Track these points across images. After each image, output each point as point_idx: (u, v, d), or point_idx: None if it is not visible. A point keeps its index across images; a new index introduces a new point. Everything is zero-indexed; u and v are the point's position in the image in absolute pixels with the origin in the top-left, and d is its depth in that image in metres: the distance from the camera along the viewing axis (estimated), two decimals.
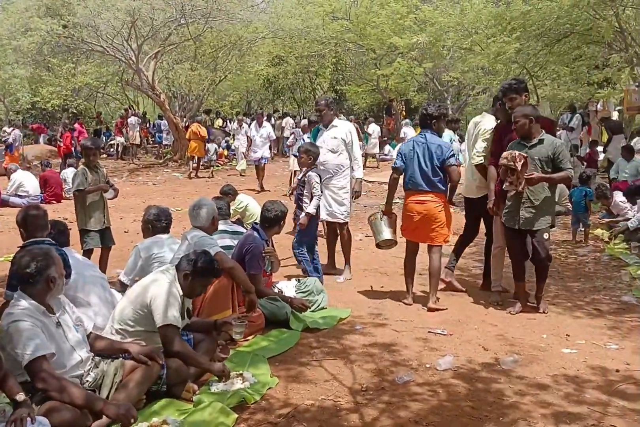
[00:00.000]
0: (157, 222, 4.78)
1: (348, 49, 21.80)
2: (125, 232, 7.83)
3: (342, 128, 6.05)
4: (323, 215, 6.00)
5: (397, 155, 5.28)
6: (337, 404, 3.36)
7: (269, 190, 12.71)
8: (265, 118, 14.76)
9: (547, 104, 13.71)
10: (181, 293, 3.57)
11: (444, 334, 4.45)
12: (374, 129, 17.96)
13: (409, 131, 17.71)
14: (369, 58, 21.30)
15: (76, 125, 16.94)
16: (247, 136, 13.50)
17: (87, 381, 3.15)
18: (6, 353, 2.92)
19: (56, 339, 3.04)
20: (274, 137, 13.48)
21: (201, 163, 17.06)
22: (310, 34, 19.37)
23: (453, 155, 5.01)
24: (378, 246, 5.57)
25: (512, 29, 12.51)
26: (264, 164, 13.06)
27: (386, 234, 5.42)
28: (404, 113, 23.37)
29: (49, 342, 2.97)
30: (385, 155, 18.94)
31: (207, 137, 15.95)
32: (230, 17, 16.92)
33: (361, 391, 3.50)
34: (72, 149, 15.53)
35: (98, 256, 5.76)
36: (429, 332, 4.51)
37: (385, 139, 20.57)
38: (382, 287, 5.78)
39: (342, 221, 6.07)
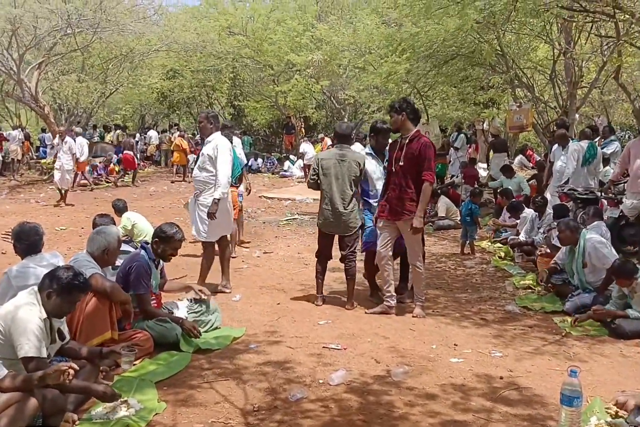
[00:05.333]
0: (17, 243, 4.31)
1: (245, 65, 21.83)
2: (2, 253, 7.28)
3: (210, 144, 5.87)
4: (193, 231, 6.12)
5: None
6: (227, 426, 3.25)
7: (248, 244, 8.82)
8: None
9: (436, 123, 14.29)
10: (44, 316, 3.33)
11: (338, 349, 4.46)
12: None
13: (307, 148, 17.93)
14: (266, 74, 21.42)
15: None
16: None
17: None
18: None
19: None
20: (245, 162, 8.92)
21: (90, 179, 16.45)
22: (206, 48, 19.19)
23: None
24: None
25: (402, 50, 12.98)
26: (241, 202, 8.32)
27: None
28: (303, 130, 23.65)
29: None
30: (285, 171, 19.03)
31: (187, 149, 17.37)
32: (121, 28, 16.42)
33: (253, 412, 3.41)
34: None
35: None
36: (323, 347, 4.50)
37: (285, 155, 20.72)
38: (279, 304, 5.73)
39: (203, 240, 5.99)
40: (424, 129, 9.70)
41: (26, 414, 2.99)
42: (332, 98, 22.14)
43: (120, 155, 17.68)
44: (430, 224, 10.28)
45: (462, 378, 3.94)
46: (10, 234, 4.80)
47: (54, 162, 13.81)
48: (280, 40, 18.91)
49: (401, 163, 5.22)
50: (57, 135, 13.68)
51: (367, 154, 5.89)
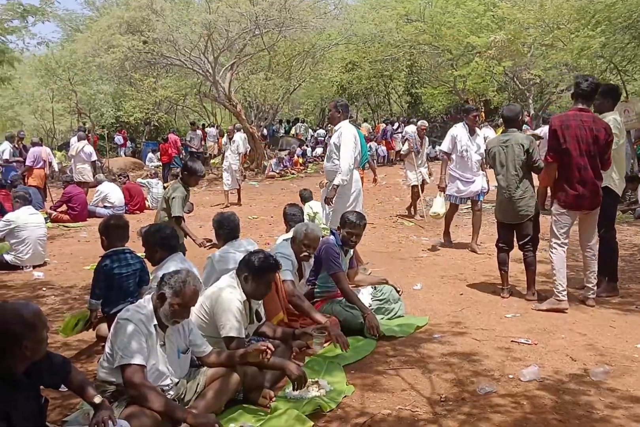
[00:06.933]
0: (220, 230, 4.82)
1: (423, 51, 21.54)
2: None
3: (336, 133, 5.92)
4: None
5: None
6: (414, 414, 3.25)
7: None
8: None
9: (637, 100, 12.93)
10: (244, 298, 3.60)
11: (528, 344, 4.25)
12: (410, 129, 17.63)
13: (489, 132, 17.24)
14: (444, 59, 20.97)
15: (170, 135, 17.78)
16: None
17: (169, 394, 3.14)
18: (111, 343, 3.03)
19: (153, 356, 3.06)
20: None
21: (277, 171, 17.49)
22: (384, 37, 19.29)
23: None
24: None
25: (596, 23, 11.98)
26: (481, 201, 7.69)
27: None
28: (483, 114, 22.78)
29: (146, 354, 3.00)
30: None
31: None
32: (304, 25, 17.11)
33: (440, 402, 3.38)
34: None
35: None
36: (511, 341, 4.31)
37: None
38: (462, 294, 5.61)
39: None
40: (623, 107, 8.76)
41: (230, 388, 3.28)
42: (515, 79, 21.01)
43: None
44: (630, 211, 9.36)
45: None
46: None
47: (221, 161, 13.97)
48: (460, 23, 18.34)
49: None
50: (226, 134, 13.65)
51: None
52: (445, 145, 7.55)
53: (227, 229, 4.77)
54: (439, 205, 7.66)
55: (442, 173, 7.52)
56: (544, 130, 9.95)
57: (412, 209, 10.11)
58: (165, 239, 4.20)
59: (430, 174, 10.12)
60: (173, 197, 5.56)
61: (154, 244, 4.18)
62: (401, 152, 10.58)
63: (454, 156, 7.42)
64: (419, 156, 9.70)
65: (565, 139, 4.80)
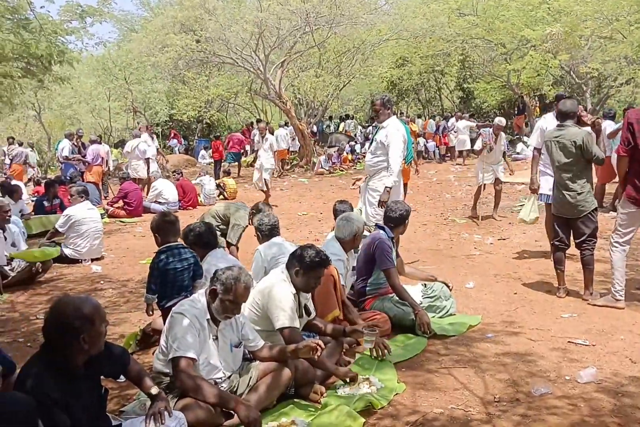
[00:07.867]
0: (260, 227, 4.91)
1: (475, 46, 21.16)
2: (254, 236, 8.07)
3: (384, 130, 5.89)
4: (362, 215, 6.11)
5: None
6: (467, 414, 3.21)
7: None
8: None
9: None
10: (294, 291, 3.62)
11: (586, 345, 4.13)
12: (461, 125, 17.21)
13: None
14: (498, 53, 20.53)
15: (236, 135, 18.17)
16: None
17: (222, 386, 3.19)
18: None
19: (205, 350, 3.11)
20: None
21: (326, 168, 17.50)
22: (436, 32, 19.01)
23: None
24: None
25: None
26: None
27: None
28: (537, 109, 22.22)
29: (199, 348, 3.06)
30: (518, 153, 18.08)
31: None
32: (354, 21, 17.03)
33: (494, 402, 3.33)
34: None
35: None
36: (568, 342, 4.20)
37: (517, 136, 19.79)
38: (516, 293, 5.49)
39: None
40: None
41: (281, 383, 3.30)
42: (571, 73, 20.42)
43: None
44: None
45: None
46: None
47: (254, 160, 13.63)
48: (514, 16, 17.92)
49: None
50: (258, 133, 13.00)
51: None
52: (534, 140, 6.62)
53: (267, 226, 4.88)
54: (527, 211, 6.74)
55: (532, 172, 6.46)
56: (603, 124, 9.63)
57: (476, 208, 9.81)
58: (198, 237, 4.40)
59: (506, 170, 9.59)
60: (237, 225, 5.72)
61: (190, 244, 4.36)
62: (474, 148, 10.23)
63: (543, 150, 6.23)
64: (492, 153, 9.19)
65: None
